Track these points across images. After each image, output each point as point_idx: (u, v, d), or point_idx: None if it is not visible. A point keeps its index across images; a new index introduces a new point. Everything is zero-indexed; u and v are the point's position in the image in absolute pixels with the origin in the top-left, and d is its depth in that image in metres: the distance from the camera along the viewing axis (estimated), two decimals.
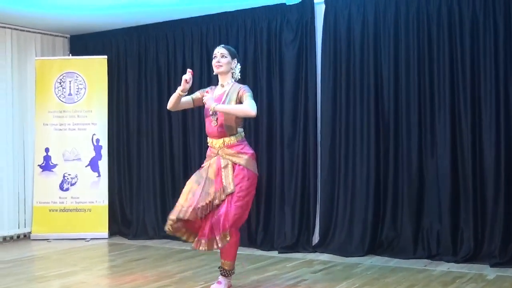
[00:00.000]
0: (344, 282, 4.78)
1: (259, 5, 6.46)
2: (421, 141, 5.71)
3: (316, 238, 6.21)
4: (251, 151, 4.39)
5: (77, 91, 7.40)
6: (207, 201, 4.20)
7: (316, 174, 6.22)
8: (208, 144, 4.44)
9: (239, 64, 4.46)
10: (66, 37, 7.94)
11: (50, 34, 7.72)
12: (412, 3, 5.71)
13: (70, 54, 7.79)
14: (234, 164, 4.27)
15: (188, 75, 4.35)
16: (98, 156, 7.36)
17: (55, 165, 7.31)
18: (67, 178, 7.30)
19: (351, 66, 6.03)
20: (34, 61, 7.41)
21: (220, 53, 4.37)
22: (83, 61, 7.45)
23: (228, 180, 4.23)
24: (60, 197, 7.25)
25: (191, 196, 4.24)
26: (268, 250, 6.21)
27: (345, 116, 6.05)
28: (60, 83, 7.39)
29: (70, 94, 7.40)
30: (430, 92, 5.65)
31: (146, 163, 7.30)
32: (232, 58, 4.41)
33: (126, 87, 7.53)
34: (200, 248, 4.17)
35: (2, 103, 7.11)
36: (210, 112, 4.30)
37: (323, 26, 6.18)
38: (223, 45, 4.47)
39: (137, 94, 7.41)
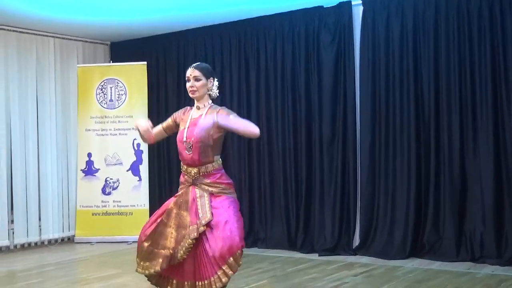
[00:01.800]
0: (386, 285, 4.73)
1: (297, 8, 6.46)
2: (463, 142, 5.61)
3: (356, 241, 6.17)
4: (229, 180, 3.86)
5: (118, 97, 7.53)
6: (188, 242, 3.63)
7: (356, 177, 6.17)
8: (182, 170, 3.95)
9: (216, 81, 3.84)
10: (107, 44, 8.10)
11: (91, 42, 7.89)
12: (452, 3, 5.63)
13: (111, 61, 7.94)
14: (210, 194, 3.77)
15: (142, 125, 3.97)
16: (139, 160, 7.47)
17: (97, 170, 7.44)
18: (109, 182, 7.42)
19: (390, 67, 5.97)
20: (76, 68, 7.58)
21: (193, 76, 3.77)
22: (123, 67, 7.59)
23: (205, 210, 3.71)
24: (102, 201, 7.39)
25: (163, 241, 3.73)
26: (308, 253, 6.19)
27: (385, 118, 5.99)
28: (101, 89, 7.54)
29: (111, 100, 7.53)
30: (472, 92, 5.55)
31: None
32: (207, 78, 3.80)
33: (166, 92, 7.63)
34: None
35: (46, 110, 7.30)
36: (184, 139, 3.84)
37: (361, 27, 6.14)
38: (195, 65, 3.82)
39: (177, 99, 7.48)
